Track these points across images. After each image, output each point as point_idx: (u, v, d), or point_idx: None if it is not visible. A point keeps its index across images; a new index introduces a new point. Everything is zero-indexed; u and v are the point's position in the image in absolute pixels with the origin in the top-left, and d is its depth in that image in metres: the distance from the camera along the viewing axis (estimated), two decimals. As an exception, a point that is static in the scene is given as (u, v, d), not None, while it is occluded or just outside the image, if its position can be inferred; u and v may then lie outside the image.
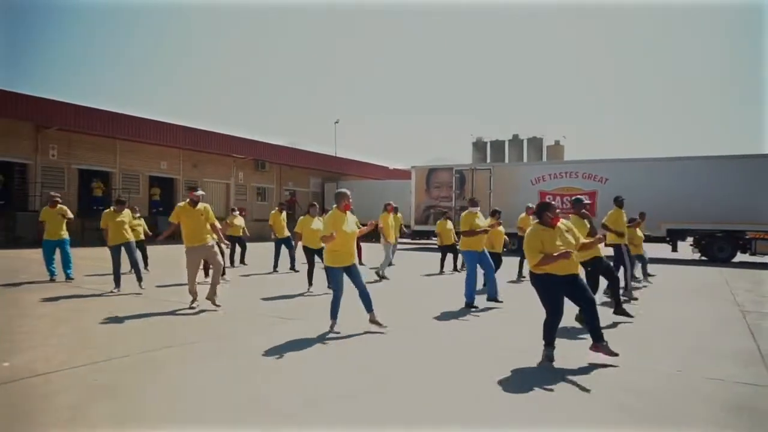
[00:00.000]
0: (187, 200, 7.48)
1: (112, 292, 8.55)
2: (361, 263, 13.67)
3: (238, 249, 13.70)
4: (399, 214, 14.42)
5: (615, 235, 8.80)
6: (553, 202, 5.03)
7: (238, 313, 7.10)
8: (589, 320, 4.91)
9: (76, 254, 10.57)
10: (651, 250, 19.11)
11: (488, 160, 57.32)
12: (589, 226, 6.82)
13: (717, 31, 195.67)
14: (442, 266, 12.99)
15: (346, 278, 6.05)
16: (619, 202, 9.16)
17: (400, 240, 13.86)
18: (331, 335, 5.81)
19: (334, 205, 6.10)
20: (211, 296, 7.27)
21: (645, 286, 10.55)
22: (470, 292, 7.75)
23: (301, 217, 9.75)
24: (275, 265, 12.38)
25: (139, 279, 8.87)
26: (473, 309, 7.55)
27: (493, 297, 7.89)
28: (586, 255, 6.87)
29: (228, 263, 13.26)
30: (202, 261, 7.88)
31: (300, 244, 9.63)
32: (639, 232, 10.82)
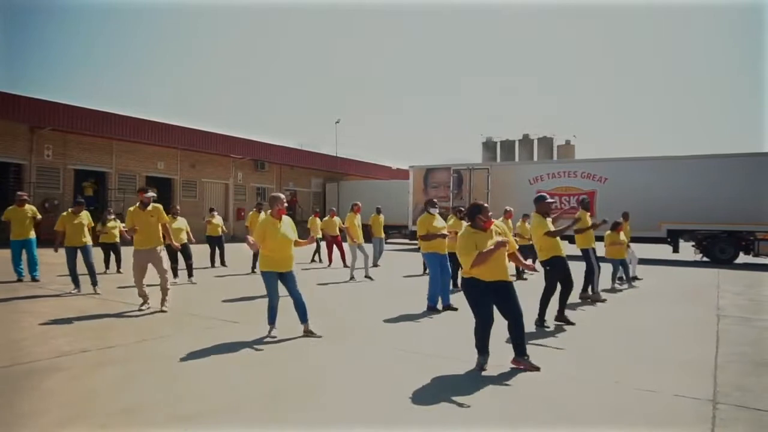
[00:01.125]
0: (137, 203, 7.27)
1: (70, 293, 8.40)
2: (345, 266, 13.49)
3: (218, 251, 13.49)
4: (381, 215, 14.24)
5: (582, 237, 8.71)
6: (485, 204, 4.71)
7: (185, 316, 6.87)
8: (513, 333, 4.60)
9: (61, 254, 10.31)
10: (652, 251, 18.80)
11: (498, 161, 56.84)
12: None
13: (723, 29, 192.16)
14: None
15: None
16: (584, 204, 9.07)
17: (391, 241, 13.77)
18: (267, 340, 5.56)
19: (269, 210, 5.84)
20: (161, 303, 7.11)
21: (624, 289, 10.13)
22: (433, 296, 7.51)
23: (250, 213, 10.47)
24: (253, 266, 12.19)
25: (94, 283, 8.61)
26: (436, 312, 7.30)
27: (447, 304, 7.57)
28: (545, 254, 6.56)
29: (209, 263, 13.13)
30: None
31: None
32: (622, 236, 10.40)
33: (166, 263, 7.29)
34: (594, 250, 8.70)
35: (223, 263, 13.38)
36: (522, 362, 4.55)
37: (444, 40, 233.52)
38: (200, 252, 13.99)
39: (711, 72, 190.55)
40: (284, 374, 4.46)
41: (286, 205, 5.91)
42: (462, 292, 4.69)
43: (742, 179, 16.79)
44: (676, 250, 18.78)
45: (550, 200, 6.84)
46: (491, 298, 4.53)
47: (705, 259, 17.59)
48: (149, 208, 7.20)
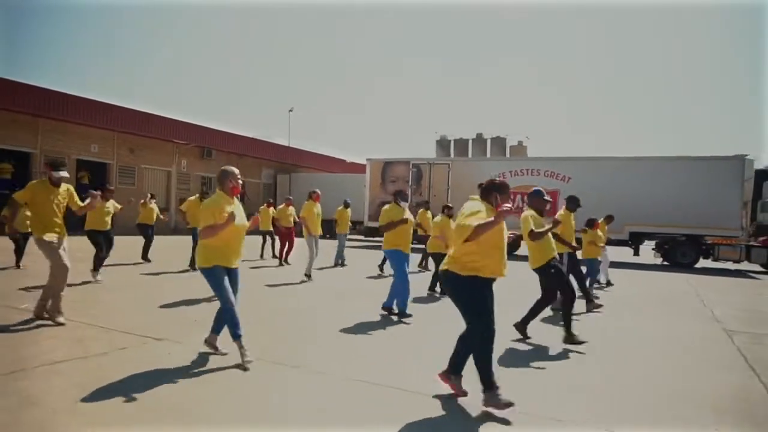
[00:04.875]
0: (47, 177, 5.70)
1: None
2: (287, 262, 12.23)
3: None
4: (349, 210, 13.28)
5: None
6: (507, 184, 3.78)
7: (90, 329, 5.44)
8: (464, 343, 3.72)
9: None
10: (613, 254, 18.42)
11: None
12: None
13: (675, 27, 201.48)
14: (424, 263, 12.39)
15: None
16: (572, 202, 8.11)
17: (351, 237, 12.76)
18: (219, 362, 4.27)
19: (218, 188, 4.56)
20: (53, 313, 5.36)
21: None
22: (392, 297, 6.70)
23: (190, 198, 10.07)
24: (192, 263, 10.69)
25: None
26: (391, 318, 6.49)
27: (403, 310, 6.61)
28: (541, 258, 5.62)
29: (133, 259, 11.41)
30: None
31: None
32: (599, 233, 9.61)
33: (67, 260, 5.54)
34: (570, 255, 7.81)
35: (145, 257, 11.54)
36: (451, 380, 3.74)
37: (401, 37, 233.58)
38: (125, 244, 12.35)
39: (672, 72, 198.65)
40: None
41: (240, 182, 4.61)
42: (450, 298, 3.65)
43: (706, 182, 16.61)
44: (636, 253, 18.54)
45: (547, 197, 5.89)
46: (491, 299, 3.55)
47: (665, 263, 17.37)
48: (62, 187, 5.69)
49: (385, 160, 22.54)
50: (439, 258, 8.25)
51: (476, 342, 3.51)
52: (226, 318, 4.32)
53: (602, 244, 9.58)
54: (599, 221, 9.92)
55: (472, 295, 3.52)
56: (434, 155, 65.52)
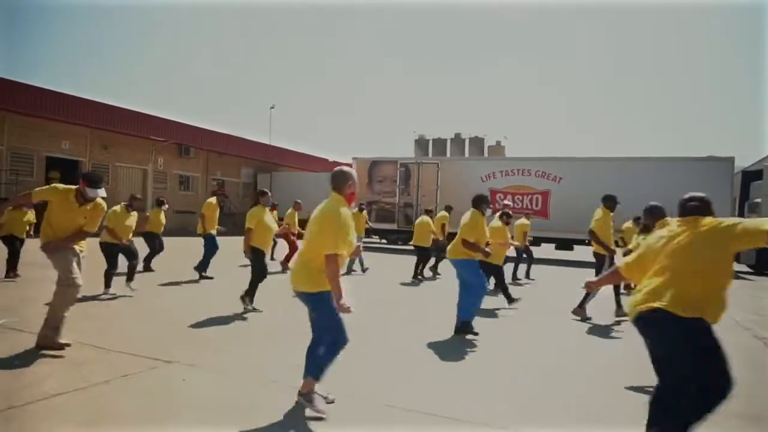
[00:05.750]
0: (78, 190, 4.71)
1: None
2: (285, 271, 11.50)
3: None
4: (364, 212, 12.99)
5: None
6: None
7: (100, 353, 4.82)
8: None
9: None
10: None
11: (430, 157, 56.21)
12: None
13: (652, 26, 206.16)
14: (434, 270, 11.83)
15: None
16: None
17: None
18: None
19: (333, 193, 3.59)
20: (53, 339, 4.51)
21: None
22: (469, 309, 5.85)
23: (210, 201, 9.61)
24: (145, 261, 9.92)
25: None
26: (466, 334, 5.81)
27: (468, 323, 5.94)
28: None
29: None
30: None
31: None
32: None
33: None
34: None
35: (148, 267, 10.21)
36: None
37: (382, 37, 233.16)
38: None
39: (663, 71, 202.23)
40: None
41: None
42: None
43: (697, 183, 16.44)
44: (628, 254, 18.44)
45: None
46: None
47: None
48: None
49: (372, 159, 22.03)
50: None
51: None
52: (332, 354, 3.43)
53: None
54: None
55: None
56: (413, 155, 65.60)
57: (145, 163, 24.66)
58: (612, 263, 7.01)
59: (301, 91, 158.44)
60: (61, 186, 4.77)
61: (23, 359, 4.24)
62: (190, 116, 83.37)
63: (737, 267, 16.80)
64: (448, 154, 67.94)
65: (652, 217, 5.35)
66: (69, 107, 20.42)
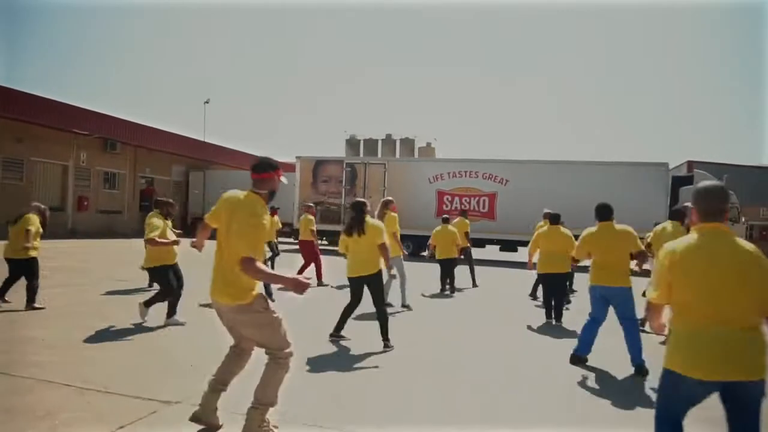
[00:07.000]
0: None
1: None
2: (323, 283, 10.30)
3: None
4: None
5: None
6: None
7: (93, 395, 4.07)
8: None
9: None
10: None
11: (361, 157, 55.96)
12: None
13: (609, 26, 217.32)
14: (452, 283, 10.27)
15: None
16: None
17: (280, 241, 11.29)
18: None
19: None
20: None
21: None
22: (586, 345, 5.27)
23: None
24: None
25: None
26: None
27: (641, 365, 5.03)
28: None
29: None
30: None
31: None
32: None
33: None
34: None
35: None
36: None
37: (309, 36, 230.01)
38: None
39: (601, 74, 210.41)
40: None
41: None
42: None
43: (634, 188, 17.27)
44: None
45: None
46: None
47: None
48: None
49: (317, 158, 21.48)
50: None
51: None
52: None
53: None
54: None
55: None
56: (344, 155, 65.18)
57: (65, 159, 22.51)
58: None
59: (234, 88, 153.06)
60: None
61: None
62: (117, 109, 77.63)
63: None
64: (380, 155, 67.96)
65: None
66: (-25, 94, 18.24)
